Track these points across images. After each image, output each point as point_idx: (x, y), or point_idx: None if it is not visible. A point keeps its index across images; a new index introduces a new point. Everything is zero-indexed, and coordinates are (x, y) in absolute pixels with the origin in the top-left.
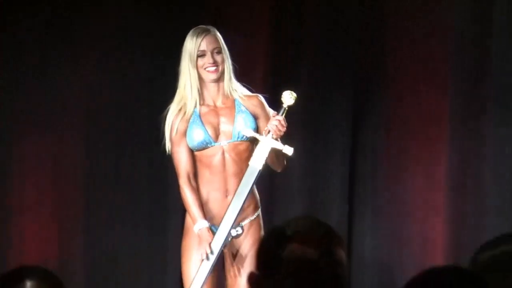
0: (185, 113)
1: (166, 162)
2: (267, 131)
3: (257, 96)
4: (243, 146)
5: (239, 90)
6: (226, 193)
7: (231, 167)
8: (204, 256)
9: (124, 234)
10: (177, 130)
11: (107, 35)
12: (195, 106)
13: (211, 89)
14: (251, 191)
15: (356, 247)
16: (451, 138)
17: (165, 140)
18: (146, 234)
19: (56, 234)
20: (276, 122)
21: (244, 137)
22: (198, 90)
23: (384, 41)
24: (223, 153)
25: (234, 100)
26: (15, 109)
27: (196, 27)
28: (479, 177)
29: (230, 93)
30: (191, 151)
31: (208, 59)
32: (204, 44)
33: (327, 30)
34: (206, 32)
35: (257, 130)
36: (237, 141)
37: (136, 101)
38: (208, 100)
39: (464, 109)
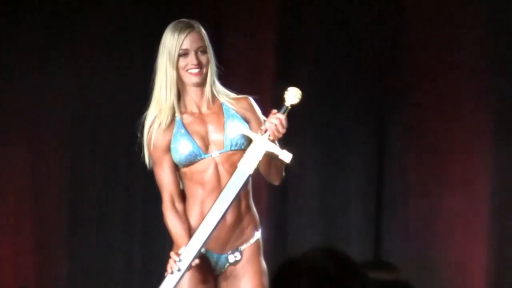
0: (161, 123)
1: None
2: (264, 130)
3: (246, 98)
4: (237, 156)
5: (225, 93)
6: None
7: (225, 182)
8: (169, 270)
9: (113, 257)
10: (155, 145)
11: (107, 36)
12: (174, 114)
13: (193, 94)
14: (238, 200)
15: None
16: (494, 157)
17: (143, 153)
18: (136, 256)
19: (34, 260)
20: (276, 120)
21: (238, 144)
22: (176, 95)
23: (414, 51)
24: (216, 166)
25: (221, 104)
26: None
27: (178, 21)
28: None
29: (216, 96)
30: (175, 168)
31: (191, 60)
32: (187, 42)
33: (347, 41)
34: (190, 28)
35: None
36: (230, 150)
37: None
38: (191, 106)
39: (507, 125)
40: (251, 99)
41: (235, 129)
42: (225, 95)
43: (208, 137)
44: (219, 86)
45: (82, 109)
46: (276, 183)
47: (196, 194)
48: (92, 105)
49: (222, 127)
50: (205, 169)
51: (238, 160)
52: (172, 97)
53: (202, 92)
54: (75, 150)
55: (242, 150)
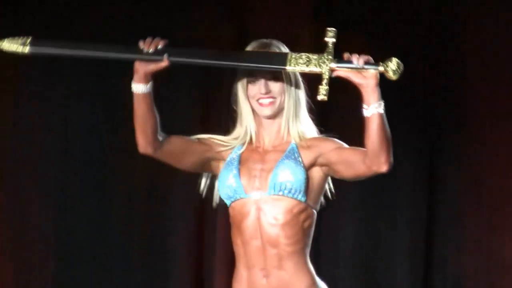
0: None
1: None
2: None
3: (321, 136)
4: (284, 204)
5: (306, 132)
6: (263, 272)
7: (265, 232)
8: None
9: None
10: (211, 136)
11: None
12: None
13: (265, 126)
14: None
15: None
16: None
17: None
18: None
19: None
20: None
21: (285, 190)
22: (254, 125)
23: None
24: (257, 211)
25: (289, 143)
26: None
27: (256, 41)
28: None
29: (289, 133)
30: (188, 144)
31: (259, 88)
32: None
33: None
34: (262, 48)
35: (307, 182)
36: (274, 194)
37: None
38: (259, 138)
39: None
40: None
41: (285, 171)
42: (302, 136)
43: (258, 176)
44: (302, 125)
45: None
46: (384, 164)
47: (237, 242)
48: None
49: (274, 167)
50: (246, 211)
51: (284, 209)
52: (248, 130)
53: (275, 126)
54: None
55: (291, 198)
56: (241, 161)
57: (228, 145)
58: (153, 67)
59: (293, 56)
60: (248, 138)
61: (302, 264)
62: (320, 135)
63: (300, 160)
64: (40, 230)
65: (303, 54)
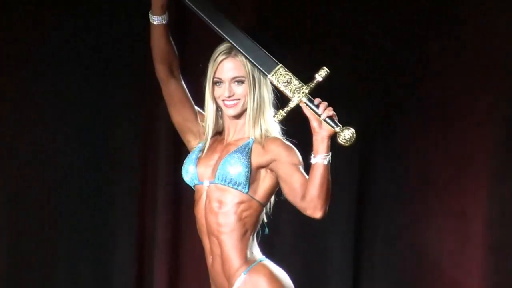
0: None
1: (119, 216)
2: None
3: (278, 138)
4: (227, 194)
5: (267, 132)
6: (210, 257)
7: (208, 218)
8: None
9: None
10: (203, 114)
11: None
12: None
13: (232, 123)
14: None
15: None
16: (490, 186)
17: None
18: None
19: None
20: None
21: (229, 181)
22: (213, 125)
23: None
24: (206, 197)
25: (248, 139)
26: None
27: (222, 44)
28: None
29: (250, 130)
30: (179, 93)
31: (223, 91)
32: (221, 69)
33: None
34: (228, 54)
35: (250, 176)
36: (219, 183)
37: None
38: (224, 132)
39: (506, 150)
40: (284, 140)
41: (231, 163)
42: (265, 134)
43: (212, 166)
44: (267, 124)
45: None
46: (319, 213)
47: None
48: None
49: (224, 157)
50: (198, 197)
51: (228, 200)
52: (209, 127)
53: (240, 122)
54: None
55: (234, 189)
56: (206, 149)
57: (202, 134)
58: None
59: (280, 71)
60: (209, 134)
61: (238, 248)
62: (284, 140)
63: (249, 155)
64: None
65: (289, 74)
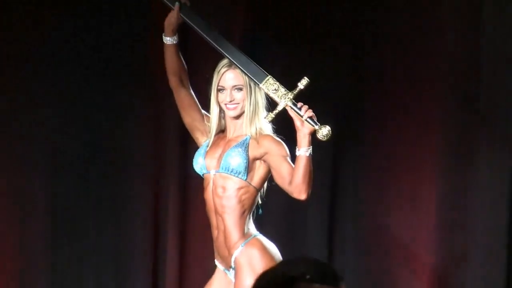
0: (206, 136)
1: (135, 198)
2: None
3: (269, 135)
4: (231, 181)
5: (261, 130)
6: (216, 230)
7: (215, 201)
8: None
9: (89, 272)
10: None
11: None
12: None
13: (229, 122)
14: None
15: None
16: (438, 174)
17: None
18: (112, 275)
19: (19, 271)
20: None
21: (232, 170)
22: (217, 125)
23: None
24: (213, 184)
25: (245, 136)
26: None
27: (224, 59)
28: (466, 213)
29: (247, 128)
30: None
31: (225, 96)
32: (224, 79)
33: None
34: (228, 67)
35: (248, 166)
36: (223, 172)
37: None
38: (226, 130)
39: (451, 145)
40: (275, 136)
41: (232, 155)
42: (259, 132)
43: (217, 158)
44: (260, 124)
45: (50, 143)
46: (304, 195)
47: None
48: (60, 139)
49: (227, 151)
50: (206, 184)
51: (230, 186)
52: (213, 127)
53: (239, 122)
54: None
55: (235, 177)
56: (212, 144)
57: (208, 132)
58: (172, 20)
59: (269, 80)
60: (213, 132)
61: (237, 225)
62: (274, 136)
63: (247, 149)
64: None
65: (277, 83)
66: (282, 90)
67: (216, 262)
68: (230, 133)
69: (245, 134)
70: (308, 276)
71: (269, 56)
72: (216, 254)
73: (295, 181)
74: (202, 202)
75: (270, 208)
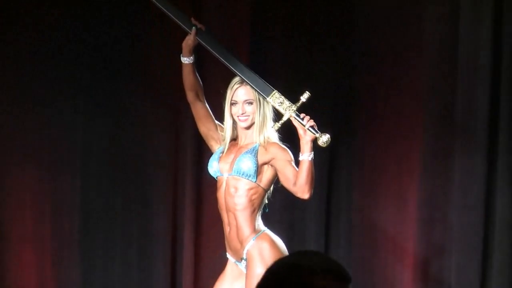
0: (220, 142)
1: (156, 197)
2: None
3: (276, 143)
4: (242, 183)
5: (269, 139)
6: (227, 226)
7: (227, 200)
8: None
9: (115, 266)
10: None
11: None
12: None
13: (241, 131)
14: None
15: None
16: (421, 176)
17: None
18: (136, 267)
19: (51, 265)
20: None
21: (242, 173)
22: (231, 134)
23: (355, 82)
24: (226, 185)
25: (255, 143)
26: (12, 143)
27: (236, 77)
28: (446, 211)
29: (257, 137)
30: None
31: (238, 110)
32: (236, 94)
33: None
34: (240, 83)
35: (257, 170)
36: (235, 175)
37: (133, 140)
38: (238, 138)
39: (432, 150)
40: (280, 144)
41: (243, 160)
42: (267, 140)
43: (230, 162)
44: (268, 133)
45: (77, 143)
46: (306, 193)
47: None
48: (87, 139)
49: (238, 157)
50: (219, 185)
51: (241, 187)
52: (227, 136)
53: (250, 132)
54: (81, 181)
55: (246, 179)
56: (225, 151)
57: (222, 141)
58: (189, 43)
59: (275, 94)
60: (227, 140)
61: (248, 221)
62: (280, 144)
63: (256, 155)
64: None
65: (282, 97)
66: (287, 103)
67: (228, 255)
68: (241, 141)
69: (254, 142)
70: (320, 270)
71: (274, 68)
72: (227, 248)
73: (299, 183)
74: (215, 201)
75: (274, 206)
